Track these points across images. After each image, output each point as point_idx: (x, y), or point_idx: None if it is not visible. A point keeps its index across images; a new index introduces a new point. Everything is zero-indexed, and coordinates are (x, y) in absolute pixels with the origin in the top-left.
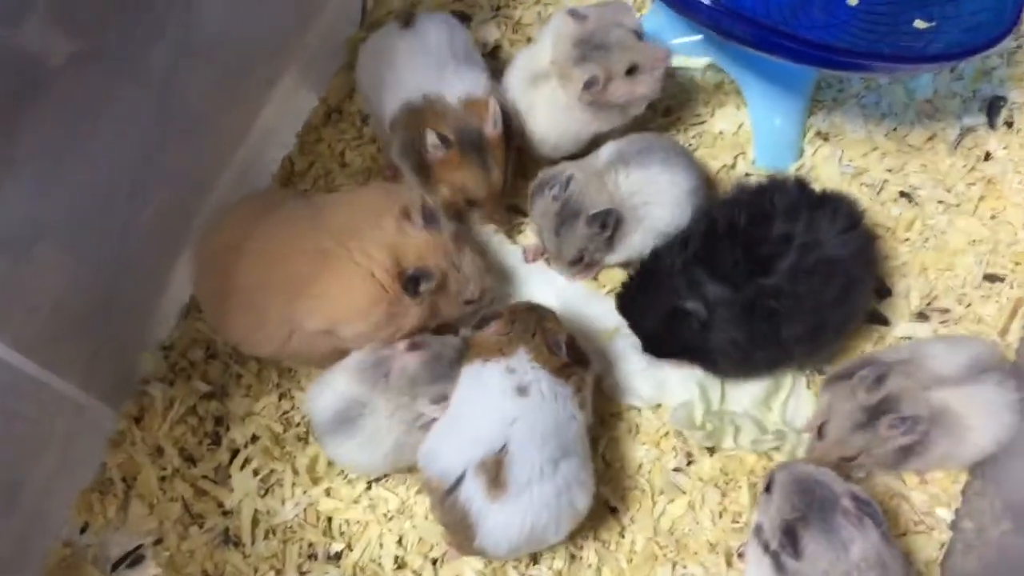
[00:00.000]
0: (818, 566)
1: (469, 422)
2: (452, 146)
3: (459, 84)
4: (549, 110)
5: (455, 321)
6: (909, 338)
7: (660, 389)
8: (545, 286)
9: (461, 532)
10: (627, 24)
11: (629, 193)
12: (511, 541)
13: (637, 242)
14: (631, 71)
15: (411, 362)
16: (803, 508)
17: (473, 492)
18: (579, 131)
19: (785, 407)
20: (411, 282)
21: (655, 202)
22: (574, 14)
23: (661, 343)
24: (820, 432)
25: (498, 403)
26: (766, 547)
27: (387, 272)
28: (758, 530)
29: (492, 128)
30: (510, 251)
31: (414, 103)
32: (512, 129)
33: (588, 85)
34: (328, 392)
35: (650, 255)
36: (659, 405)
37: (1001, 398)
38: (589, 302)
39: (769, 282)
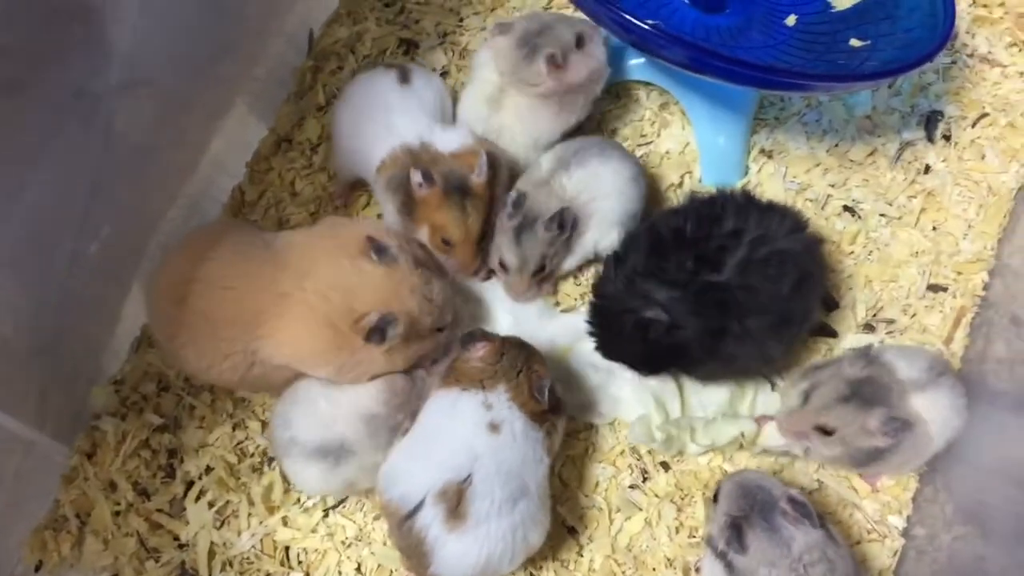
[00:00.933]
0: (764, 560)
1: (436, 448)
2: (435, 185)
3: (449, 139)
4: (519, 122)
5: (429, 354)
6: (856, 349)
7: (616, 405)
8: (500, 305)
9: (416, 558)
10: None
11: (576, 192)
12: (466, 571)
13: (591, 239)
14: (580, 43)
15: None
16: (746, 509)
17: (431, 519)
18: (552, 130)
19: (754, 406)
20: (376, 332)
21: (601, 195)
22: (499, 26)
23: (645, 360)
24: (806, 398)
25: (468, 434)
26: (715, 550)
27: (345, 318)
28: (709, 539)
29: (478, 176)
30: None
31: (411, 147)
32: (497, 181)
33: (549, 60)
34: (322, 424)
35: (593, 288)
36: (615, 420)
37: (953, 402)
38: (544, 321)
39: (720, 279)
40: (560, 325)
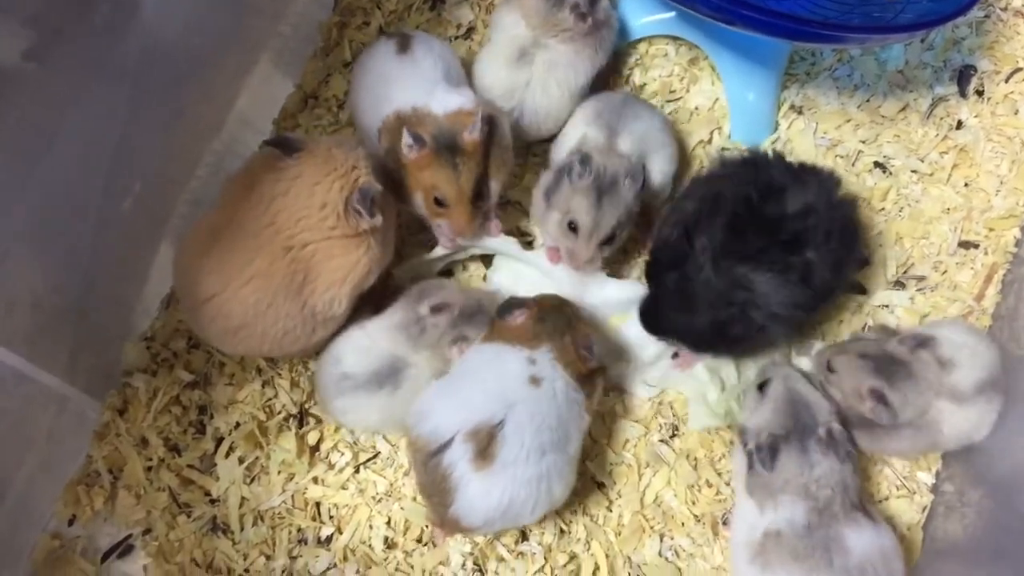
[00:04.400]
0: (782, 475)
1: (472, 390)
2: (426, 146)
3: (447, 100)
4: (556, 73)
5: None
6: (887, 306)
7: (666, 375)
8: (544, 279)
9: (438, 496)
10: None
11: (634, 150)
12: (486, 513)
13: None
14: None
15: (442, 322)
16: (788, 428)
17: (459, 457)
18: (592, 71)
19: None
20: (367, 204)
21: (652, 148)
22: None
23: (716, 344)
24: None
25: (508, 383)
26: (744, 445)
27: (332, 223)
28: (743, 433)
29: (470, 134)
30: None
31: (403, 113)
32: (495, 141)
33: (573, 9)
34: (363, 352)
35: (662, 254)
36: (663, 391)
37: (982, 421)
38: (591, 292)
39: (805, 257)
40: (611, 294)
